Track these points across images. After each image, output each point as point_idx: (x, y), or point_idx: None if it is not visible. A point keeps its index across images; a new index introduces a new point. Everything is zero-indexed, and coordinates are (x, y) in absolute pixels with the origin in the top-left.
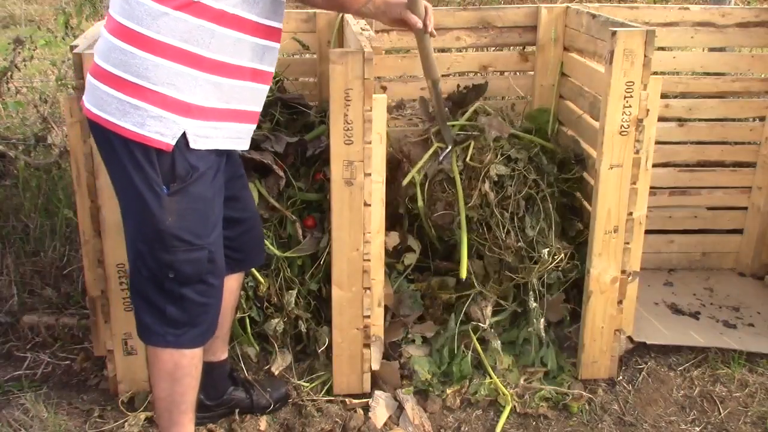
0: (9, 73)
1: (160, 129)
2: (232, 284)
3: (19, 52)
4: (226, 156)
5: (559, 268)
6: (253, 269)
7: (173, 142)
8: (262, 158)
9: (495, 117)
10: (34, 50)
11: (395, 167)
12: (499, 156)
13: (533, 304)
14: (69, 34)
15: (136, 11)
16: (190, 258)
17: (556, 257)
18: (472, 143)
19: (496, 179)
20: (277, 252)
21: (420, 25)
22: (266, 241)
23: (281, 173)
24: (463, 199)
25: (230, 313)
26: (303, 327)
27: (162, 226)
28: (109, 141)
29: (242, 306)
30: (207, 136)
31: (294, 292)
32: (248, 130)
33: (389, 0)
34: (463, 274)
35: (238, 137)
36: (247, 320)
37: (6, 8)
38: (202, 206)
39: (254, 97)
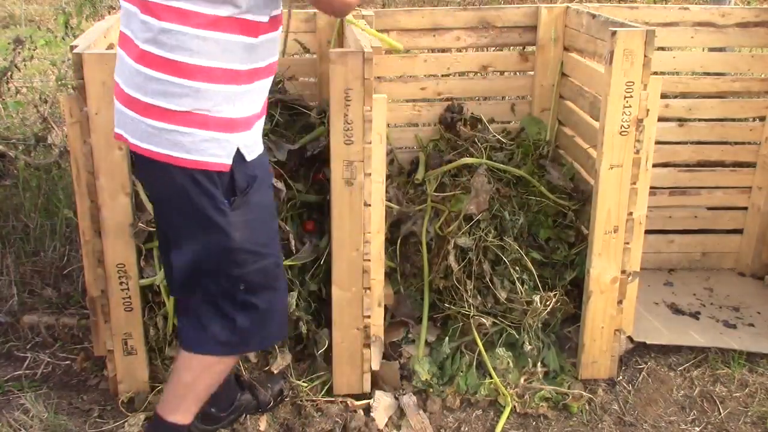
0: (9, 73)
1: (216, 151)
2: None
3: (19, 52)
4: None
5: (549, 308)
6: None
7: (230, 162)
8: None
9: (483, 185)
10: (34, 50)
11: None
12: (462, 225)
13: (528, 347)
14: (69, 34)
15: (161, 38)
16: (258, 268)
17: (548, 303)
18: (446, 213)
19: (454, 251)
20: None
21: None
22: None
23: (281, 186)
24: (427, 274)
25: None
26: (303, 328)
27: (231, 243)
28: (167, 172)
29: None
30: (255, 143)
31: (295, 294)
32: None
33: None
34: (419, 358)
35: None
36: None
37: (6, 8)
38: (264, 214)
39: (269, 87)
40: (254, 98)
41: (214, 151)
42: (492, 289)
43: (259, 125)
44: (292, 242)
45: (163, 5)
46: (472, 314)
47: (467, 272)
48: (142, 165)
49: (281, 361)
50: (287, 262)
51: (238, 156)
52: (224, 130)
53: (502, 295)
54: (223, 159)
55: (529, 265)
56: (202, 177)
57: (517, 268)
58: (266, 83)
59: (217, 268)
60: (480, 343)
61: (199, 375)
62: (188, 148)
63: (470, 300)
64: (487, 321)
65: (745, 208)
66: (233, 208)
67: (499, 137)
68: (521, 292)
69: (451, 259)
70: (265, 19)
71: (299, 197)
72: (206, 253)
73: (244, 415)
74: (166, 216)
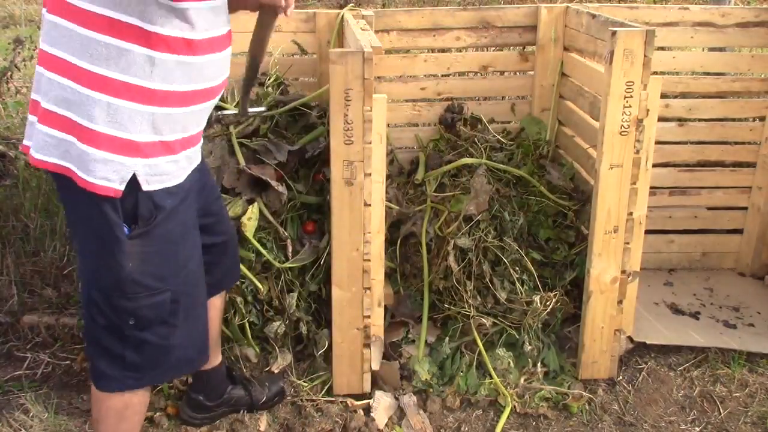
0: (9, 73)
1: (107, 174)
2: (216, 302)
3: (19, 52)
4: (198, 182)
5: (549, 308)
6: (251, 275)
7: (122, 188)
8: (263, 174)
9: (483, 186)
10: (34, 50)
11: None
12: (462, 226)
13: (528, 347)
14: None
15: (64, 38)
16: (151, 303)
17: (548, 303)
18: (446, 213)
19: (454, 252)
20: (275, 264)
21: (282, 3)
22: (265, 252)
23: (282, 189)
24: (427, 275)
25: (218, 324)
26: (303, 329)
27: (122, 272)
28: (68, 185)
29: (241, 311)
30: (165, 173)
31: (295, 295)
32: (200, 147)
33: None
34: (419, 358)
35: (194, 159)
36: (247, 324)
37: (6, 8)
38: (168, 247)
39: (207, 113)
40: (179, 124)
41: (103, 173)
42: (492, 290)
43: (190, 153)
44: (289, 249)
45: (66, 3)
46: (472, 314)
47: (467, 273)
48: (50, 174)
49: (281, 361)
50: (287, 265)
51: (137, 183)
52: (120, 152)
53: (502, 296)
54: (114, 184)
55: (529, 265)
56: (101, 199)
57: (517, 268)
58: (197, 110)
59: (105, 297)
60: (480, 344)
61: (105, 416)
62: (80, 165)
63: (470, 300)
64: (487, 321)
65: (745, 208)
66: (131, 236)
67: (499, 137)
68: (521, 293)
69: (451, 259)
70: (174, 34)
71: (299, 198)
72: (96, 278)
73: (240, 411)
74: (70, 231)
